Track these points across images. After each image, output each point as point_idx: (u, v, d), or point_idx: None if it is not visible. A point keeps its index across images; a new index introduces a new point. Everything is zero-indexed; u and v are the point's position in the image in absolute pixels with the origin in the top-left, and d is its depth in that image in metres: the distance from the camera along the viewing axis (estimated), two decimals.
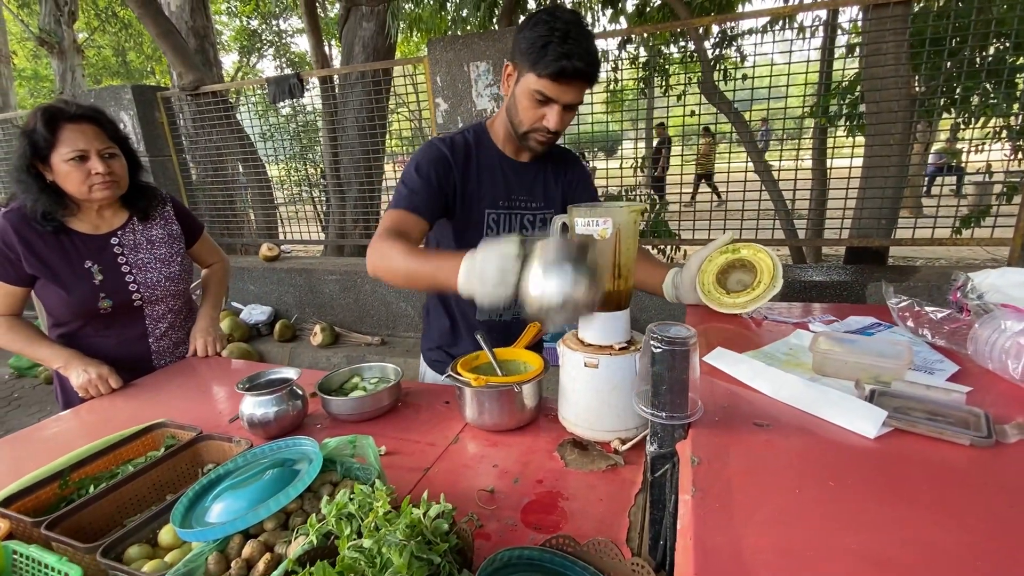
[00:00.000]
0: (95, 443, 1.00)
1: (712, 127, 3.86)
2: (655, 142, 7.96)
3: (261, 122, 4.11)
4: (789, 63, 2.61)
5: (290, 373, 1.18)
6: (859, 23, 3.29)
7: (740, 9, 5.14)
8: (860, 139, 3.51)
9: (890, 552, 0.38)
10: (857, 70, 3.45)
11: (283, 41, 13.38)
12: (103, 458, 0.96)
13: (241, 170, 4.40)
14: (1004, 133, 2.65)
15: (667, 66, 4.11)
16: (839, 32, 3.61)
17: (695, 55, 3.79)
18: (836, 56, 3.48)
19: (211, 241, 1.76)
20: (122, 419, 1.19)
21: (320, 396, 1.17)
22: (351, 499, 0.69)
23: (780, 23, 3.33)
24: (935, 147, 5.40)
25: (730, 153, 3.09)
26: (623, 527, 0.80)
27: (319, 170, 6.19)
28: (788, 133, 3.65)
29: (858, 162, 2.87)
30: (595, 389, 0.99)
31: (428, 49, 2.94)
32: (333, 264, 3.70)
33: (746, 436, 0.54)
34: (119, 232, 1.44)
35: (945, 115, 2.93)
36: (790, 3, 3.62)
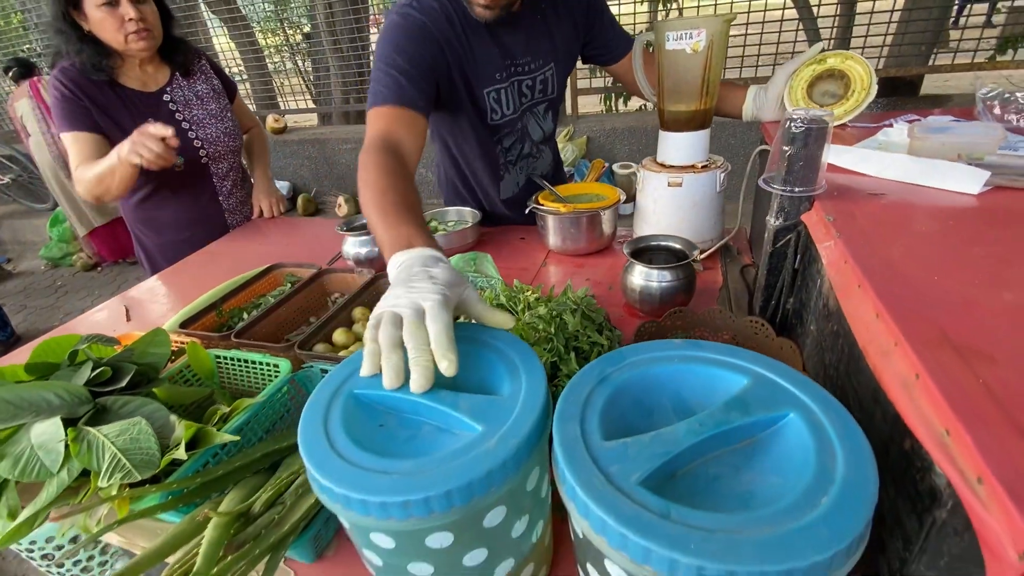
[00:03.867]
0: (230, 282, 1.12)
1: None
2: None
3: None
4: None
5: None
6: None
7: None
8: None
9: (994, 251, 0.50)
10: None
11: None
12: (241, 293, 1.09)
13: (224, 34, 4.03)
14: None
15: None
16: None
17: None
18: None
19: (244, 103, 1.73)
20: (222, 272, 1.30)
21: None
22: (498, 294, 0.81)
23: None
24: None
25: None
26: None
27: (299, 32, 5.67)
28: None
29: None
30: (677, 206, 1.08)
31: None
32: (346, 132, 3.60)
33: (865, 202, 0.64)
34: (167, 89, 1.41)
35: None
36: None
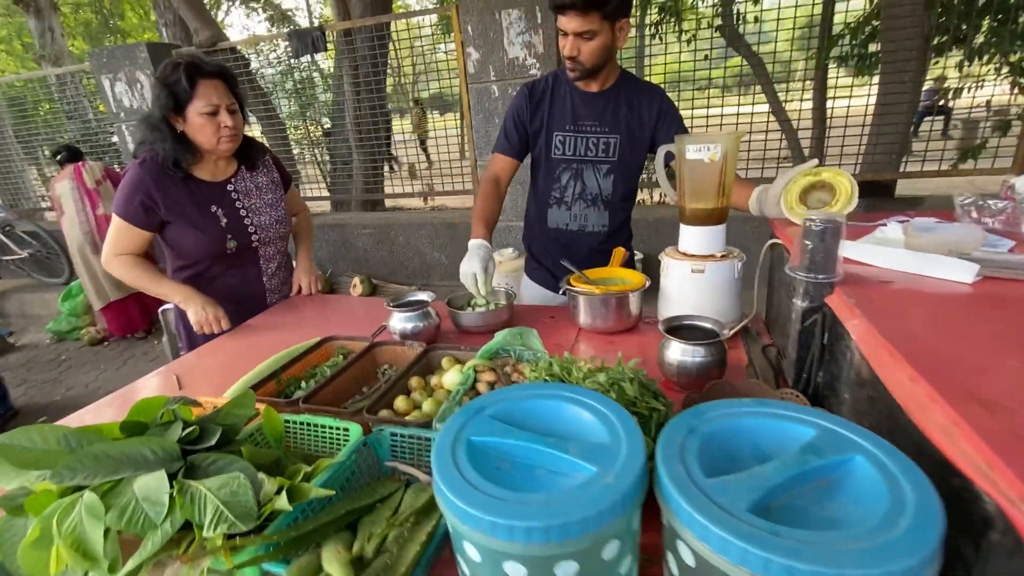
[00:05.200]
0: (285, 352, 1.19)
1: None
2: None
3: (283, 79, 4.10)
4: (814, 4, 2.72)
5: (423, 296, 1.37)
6: None
7: None
8: (865, 78, 3.67)
9: (993, 328, 0.60)
10: (862, 11, 3.56)
11: None
12: (297, 364, 1.15)
13: (260, 129, 4.41)
14: (1005, 70, 2.83)
15: (680, 9, 4.15)
16: None
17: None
18: None
19: (296, 191, 1.90)
20: (263, 345, 1.38)
21: (451, 311, 1.36)
22: (551, 363, 0.90)
23: None
24: (925, 84, 5.60)
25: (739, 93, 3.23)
26: None
27: (320, 128, 6.18)
28: (794, 75, 3.78)
29: (864, 101, 3.04)
30: (700, 291, 1.20)
31: None
32: (365, 219, 3.83)
33: (878, 287, 0.75)
34: (232, 179, 1.57)
35: (949, 53, 3.10)
36: None
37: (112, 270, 1.53)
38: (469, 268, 1.36)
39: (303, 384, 1.11)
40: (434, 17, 6.02)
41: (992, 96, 3.03)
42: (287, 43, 3.51)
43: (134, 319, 3.96)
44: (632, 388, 0.75)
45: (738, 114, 3.05)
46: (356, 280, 3.64)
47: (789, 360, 0.86)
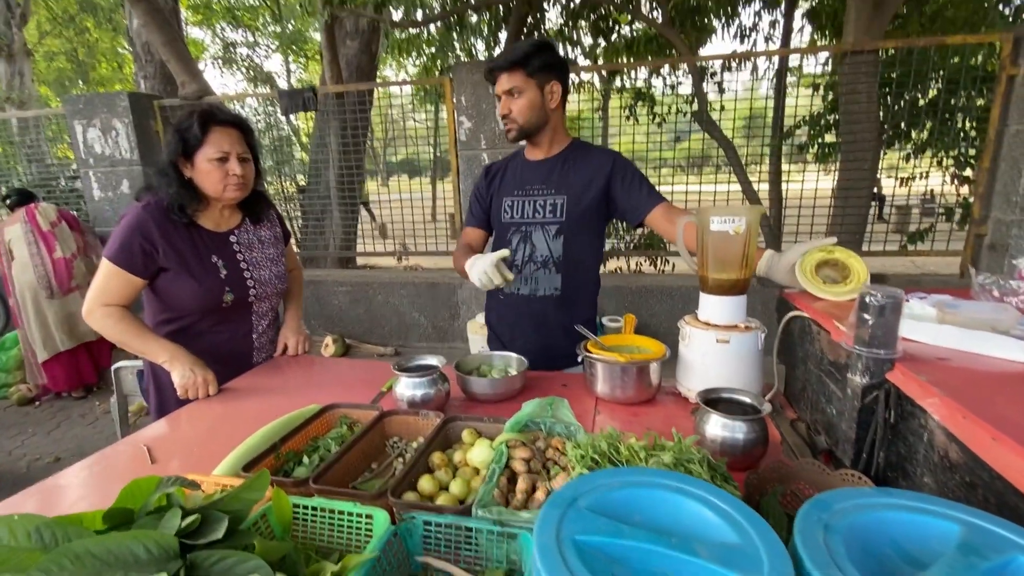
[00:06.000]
0: (281, 421, 1.07)
1: None
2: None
3: (268, 136, 4.09)
4: (787, 99, 2.99)
5: (433, 360, 1.28)
6: (822, 67, 3.80)
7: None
8: (819, 164, 4.00)
9: None
10: (819, 107, 3.95)
11: (254, 55, 12.91)
12: (296, 436, 1.03)
13: None
14: (948, 163, 3.15)
15: (654, 96, 4.49)
16: (796, 74, 4.12)
17: (675, 88, 4.18)
18: (811, 95, 3.97)
19: (292, 248, 1.83)
20: (252, 412, 1.25)
21: (462, 377, 1.28)
22: (592, 439, 0.83)
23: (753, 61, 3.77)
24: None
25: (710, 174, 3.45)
26: None
27: (295, 184, 6.16)
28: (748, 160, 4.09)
29: (820, 184, 3.29)
30: (724, 362, 1.17)
31: (453, 70, 3.11)
32: (342, 276, 3.72)
33: (939, 364, 0.75)
34: (236, 231, 1.49)
35: (892, 148, 3.44)
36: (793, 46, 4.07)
37: (93, 322, 1.39)
38: (485, 261, 1.34)
39: (304, 459, 0.98)
40: (409, 88, 6.26)
41: (941, 185, 3.36)
42: (278, 100, 3.53)
43: (84, 372, 3.61)
44: (702, 470, 0.70)
45: (715, 192, 3.25)
46: (328, 339, 3.47)
47: (845, 439, 0.82)
